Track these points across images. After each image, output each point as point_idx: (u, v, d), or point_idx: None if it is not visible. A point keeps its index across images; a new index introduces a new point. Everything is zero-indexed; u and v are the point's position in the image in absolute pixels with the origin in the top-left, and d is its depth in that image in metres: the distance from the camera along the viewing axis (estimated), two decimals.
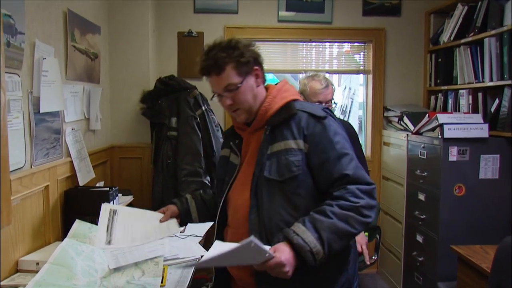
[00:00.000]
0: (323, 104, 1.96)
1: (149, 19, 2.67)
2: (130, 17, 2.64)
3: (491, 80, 2.27)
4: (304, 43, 3.04)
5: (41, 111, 1.59)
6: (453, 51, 2.67)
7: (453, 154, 2.15)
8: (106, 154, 2.53)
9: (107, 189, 1.86)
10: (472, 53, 2.46)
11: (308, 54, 3.12)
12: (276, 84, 1.26)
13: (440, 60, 2.81)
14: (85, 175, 2.02)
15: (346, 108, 3.83)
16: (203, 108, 2.58)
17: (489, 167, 2.16)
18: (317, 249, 1.00)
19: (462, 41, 2.52)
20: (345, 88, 3.93)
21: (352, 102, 3.78)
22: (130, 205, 2.20)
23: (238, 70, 1.15)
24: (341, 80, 3.96)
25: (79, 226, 1.66)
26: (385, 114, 3.00)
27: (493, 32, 2.24)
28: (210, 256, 1.03)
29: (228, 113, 1.30)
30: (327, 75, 2.20)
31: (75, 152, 1.92)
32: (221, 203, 1.28)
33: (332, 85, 2.01)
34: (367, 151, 3.06)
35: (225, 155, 1.32)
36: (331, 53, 3.13)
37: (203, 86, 2.86)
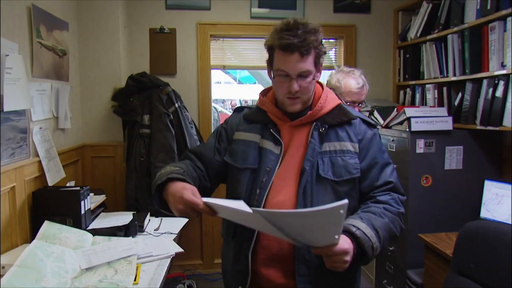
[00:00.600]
0: (356, 105, 1.91)
1: (119, 15, 2.63)
2: (99, 13, 2.59)
3: (454, 75, 2.37)
4: None
5: (5, 109, 1.55)
6: (420, 47, 2.76)
7: (420, 146, 2.23)
8: (77, 153, 2.48)
9: (78, 188, 1.83)
10: (437, 49, 2.56)
11: None
12: (322, 84, 1.25)
13: (408, 56, 2.90)
14: (54, 175, 1.97)
15: None
16: (176, 105, 2.57)
17: (453, 158, 2.25)
18: (377, 245, 1.02)
19: (428, 37, 2.61)
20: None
21: None
22: (102, 204, 2.16)
23: (317, 59, 1.11)
24: None
25: (48, 227, 1.63)
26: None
27: (455, 29, 2.33)
28: (276, 211, 0.87)
29: (280, 97, 1.14)
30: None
31: (43, 152, 1.88)
32: (264, 196, 1.10)
33: (367, 84, 1.87)
34: None
35: (254, 140, 1.18)
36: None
37: (176, 83, 2.86)
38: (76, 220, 1.77)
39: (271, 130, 1.17)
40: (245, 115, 1.25)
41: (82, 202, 1.81)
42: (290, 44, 1.05)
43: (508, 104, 1.97)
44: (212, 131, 1.35)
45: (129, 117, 2.49)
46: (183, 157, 1.28)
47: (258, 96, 1.26)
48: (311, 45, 1.06)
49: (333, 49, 3.16)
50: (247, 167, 1.17)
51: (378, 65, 3.13)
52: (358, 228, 1.01)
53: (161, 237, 1.96)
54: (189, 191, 1.01)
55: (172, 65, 2.90)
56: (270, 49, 1.12)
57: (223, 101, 8.48)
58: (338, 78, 1.85)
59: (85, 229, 1.78)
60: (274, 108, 1.19)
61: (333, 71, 2.02)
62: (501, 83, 2.01)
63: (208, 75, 2.96)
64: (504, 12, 1.97)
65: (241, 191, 1.15)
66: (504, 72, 1.99)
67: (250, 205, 0.92)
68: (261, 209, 1.05)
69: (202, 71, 2.94)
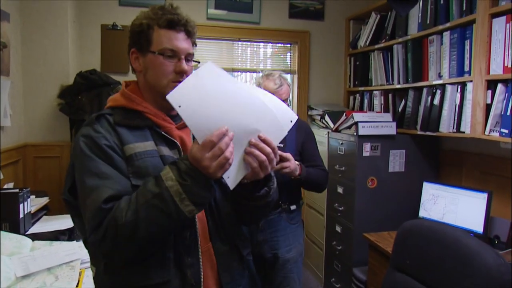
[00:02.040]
0: None
1: (67, 8, 2.51)
2: (46, 5, 2.46)
3: (399, 83, 2.52)
4: (234, 42, 3.09)
5: None
6: (369, 55, 2.90)
7: (367, 149, 2.35)
8: (18, 153, 2.34)
9: (17, 190, 1.73)
10: (384, 58, 2.70)
11: (243, 52, 3.18)
12: None
13: (358, 63, 3.04)
14: None
15: None
16: None
17: (396, 161, 2.39)
18: None
19: (376, 46, 2.75)
20: None
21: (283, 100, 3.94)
22: (45, 207, 2.05)
23: (193, 44, 1.05)
24: None
25: None
26: (309, 113, 3.17)
27: (400, 40, 2.48)
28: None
29: (163, 83, 0.97)
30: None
31: None
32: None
33: (288, 84, 1.97)
34: None
35: (153, 148, 0.95)
36: (265, 53, 3.22)
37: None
38: (14, 224, 1.67)
39: (162, 132, 0.98)
40: (118, 122, 0.96)
41: (21, 205, 1.71)
42: (177, 21, 0.98)
43: (444, 112, 2.13)
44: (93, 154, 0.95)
45: (77, 116, 2.39)
46: (115, 207, 0.86)
47: (119, 97, 1.02)
48: (194, 28, 1.03)
49: (288, 54, 3.23)
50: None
51: (330, 71, 3.24)
52: None
53: None
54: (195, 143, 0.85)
55: (125, 64, 2.82)
56: (146, 29, 0.97)
57: None
58: (259, 82, 1.97)
59: (24, 234, 1.68)
60: (153, 108, 1.00)
61: (257, 75, 2.18)
62: (438, 92, 2.17)
63: None
64: (440, 27, 2.13)
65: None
66: (440, 82, 2.15)
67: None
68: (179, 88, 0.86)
69: None
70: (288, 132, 0.94)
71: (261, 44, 3.16)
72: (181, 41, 0.99)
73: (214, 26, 2.97)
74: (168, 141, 0.99)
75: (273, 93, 1.61)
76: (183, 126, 1.03)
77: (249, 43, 3.13)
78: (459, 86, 2.04)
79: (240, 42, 3.10)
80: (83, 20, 2.74)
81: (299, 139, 1.92)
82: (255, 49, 3.18)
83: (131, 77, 3.17)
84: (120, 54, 2.81)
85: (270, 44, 3.19)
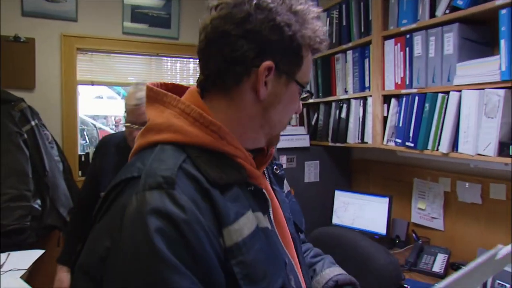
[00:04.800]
0: None
1: None
2: None
3: (311, 97, 2.67)
4: (154, 57, 3.03)
5: None
6: None
7: (283, 162, 2.44)
8: None
9: None
10: None
11: (172, 67, 3.14)
12: None
13: None
14: None
15: None
16: (33, 123, 2.31)
17: (311, 172, 2.52)
18: None
19: None
20: None
21: None
22: None
23: None
24: None
25: None
26: None
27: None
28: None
29: (284, 125, 0.72)
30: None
31: None
32: None
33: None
34: None
35: (255, 224, 0.61)
36: (188, 68, 3.21)
37: (35, 98, 2.57)
38: None
39: (254, 187, 0.65)
40: (218, 179, 0.58)
41: None
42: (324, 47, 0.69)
43: (350, 124, 2.30)
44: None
45: None
46: None
47: (188, 127, 0.61)
48: None
49: None
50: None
51: None
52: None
53: (5, 275, 1.71)
54: None
55: (30, 79, 2.61)
56: (300, 45, 0.64)
57: (105, 117, 7.93)
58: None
59: None
60: (245, 152, 0.66)
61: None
62: (345, 106, 2.34)
63: (74, 90, 2.74)
64: (344, 46, 2.32)
65: None
66: (346, 96, 2.33)
67: None
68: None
69: (67, 86, 2.71)
70: None
71: (184, 60, 3.15)
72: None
73: (131, 41, 2.89)
74: (260, 200, 0.65)
75: (130, 111, 1.40)
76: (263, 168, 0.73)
77: (169, 58, 3.10)
78: (362, 101, 2.23)
79: (159, 57, 3.06)
80: None
81: None
82: (185, 64, 3.17)
83: (38, 94, 2.92)
84: (24, 69, 2.59)
85: (191, 60, 3.19)
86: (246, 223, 0.58)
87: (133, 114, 1.41)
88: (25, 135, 2.24)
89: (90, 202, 1.47)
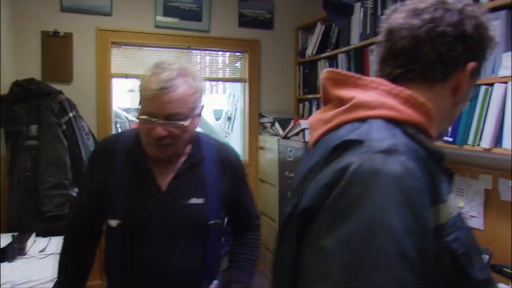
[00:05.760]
0: None
1: (1, 14, 2.37)
2: None
3: None
4: (185, 50, 3.06)
5: None
6: (316, 63, 2.99)
7: None
8: None
9: None
10: (330, 66, 2.80)
11: (202, 61, 3.17)
12: None
13: (306, 71, 3.12)
14: None
15: (231, 115, 3.97)
16: (71, 114, 2.40)
17: None
18: None
19: (322, 55, 2.84)
20: (229, 95, 4.07)
21: (236, 108, 3.94)
22: None
23: None
24: (226, 87, 4.09)
25: None
26: (260, 120, 3.20)
27: (343, 49, 2.59)
28: None
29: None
30: None
31: None
32: None
33: (195, 85, 1.42)
34: (245, 155, 3.22)
35: (457, 205, 0.69)
36: (217, 62, 3.22)
37: (72, 91, 2.66)
38: None
39: (452, 176, 0.70)
40: (439, 156, 0.62)
41: None
42: None
43: None
44: None
45: (12, 127, 2.25)
46: None
47: (403, 107, 0.63)
48: None
49: (239, 62, 3.26)
50: None
51: (280, 79, 3.30)
52: None
53: (47, 259, 1.79)
54: None
55: (68, 72, 2.71)
56: (487, 51, 0.70)
57: (137, 110, 8.11)
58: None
59: None
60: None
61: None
62: None
63: (108, 83, 2.82)
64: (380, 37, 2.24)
65: None
66: None
67: None
68: None
69: (102, 79, 2.80)
70: (208, 174, 0.74)
71: (213, 52, 3.17)
72: None
73: (163, 34, 2.93)
74: (450, 184, 0.65)
75: (152, 98, 1.03)
76: None
77: (199, 52, 3.13)
78: None
79: (190, 51, 3.08)
80: (20, 26, 2.60)
81: (225, 186, 1.20)
82: (208, 57, 3.18)
83: (75, 86, 2.97)
84: (63, 62, 2.69)
85: (220, 53, 3.20)
86: (452, 204, 0.60)
87: (155, 103, 1.01)
88: (64, 126, 2.33)
89: (84, 230, 1.18)
